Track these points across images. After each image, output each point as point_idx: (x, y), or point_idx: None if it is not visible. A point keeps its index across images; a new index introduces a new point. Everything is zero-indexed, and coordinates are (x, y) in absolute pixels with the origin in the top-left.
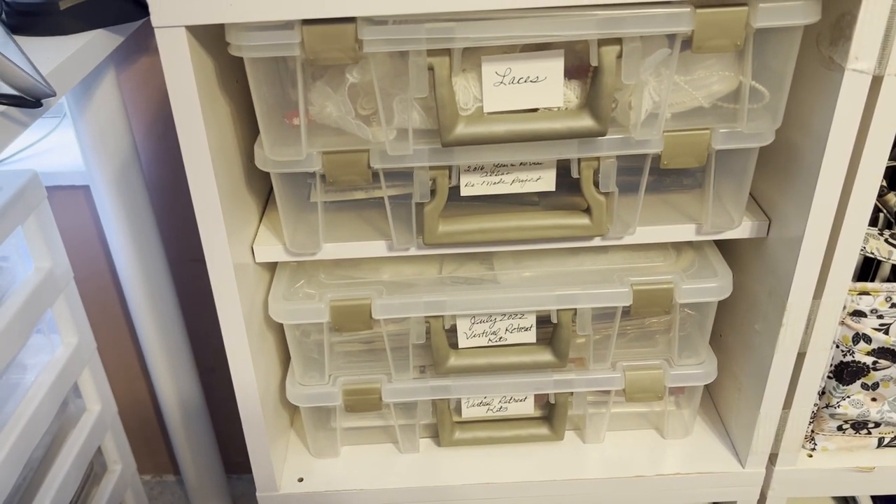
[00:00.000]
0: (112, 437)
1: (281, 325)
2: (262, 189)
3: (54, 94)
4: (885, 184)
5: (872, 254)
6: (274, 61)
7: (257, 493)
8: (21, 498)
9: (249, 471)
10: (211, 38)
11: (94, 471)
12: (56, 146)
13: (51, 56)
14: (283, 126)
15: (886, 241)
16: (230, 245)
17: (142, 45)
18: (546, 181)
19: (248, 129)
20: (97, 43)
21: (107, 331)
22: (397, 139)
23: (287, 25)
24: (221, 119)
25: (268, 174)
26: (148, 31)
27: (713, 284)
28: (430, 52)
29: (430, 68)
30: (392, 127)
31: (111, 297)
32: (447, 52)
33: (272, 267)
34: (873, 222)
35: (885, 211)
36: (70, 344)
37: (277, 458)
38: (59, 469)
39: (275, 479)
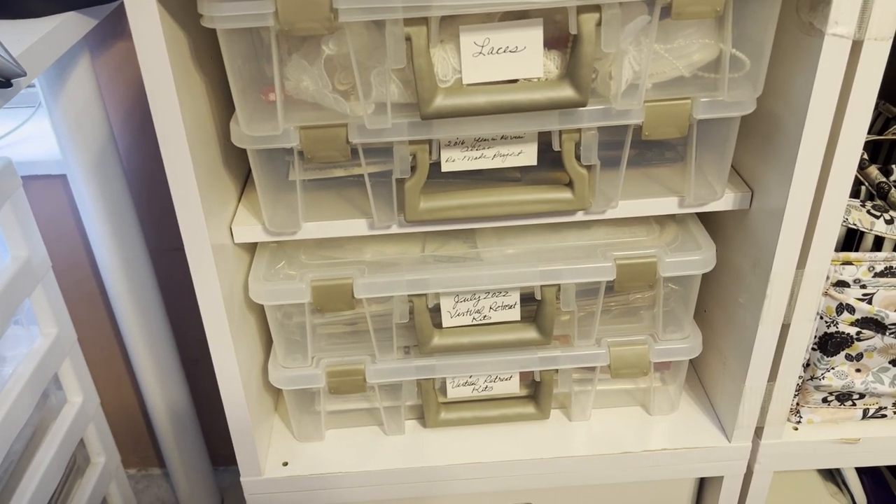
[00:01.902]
0: (95, 428)
1: (262, 307)
2: (241, 169)
3: (24, 74)
4: (866, 156)
5: (855, 225)
6: (248, 34)
7: (241, 478)
8: (2, 491)
9: (236, 462)
10: (183, 11)
11: (76, 463)
12: (31, 136)
13: (21, 38)
14: (259, 102)
15: (869, 212)
16: (208, 225)
17: (118, 29)
18: (527, 155)
19: (225, 108)
20: (70, 25)
21: (88, 322)
22: (376, 113)
23: None
24: (196, 96)
25: (246, 154)
26: (123, 15)
27: (697, 257)
28: (407, 22)
29: (408, 38)
30: (370, 101)
31: (91, 287)
32: (424, 21)
33: (252, 248)
34: (855, 194)
35: (866, 183)
36: (49, 334)
37: (261, 443)
38: (41, 462)
39: (259, 463)
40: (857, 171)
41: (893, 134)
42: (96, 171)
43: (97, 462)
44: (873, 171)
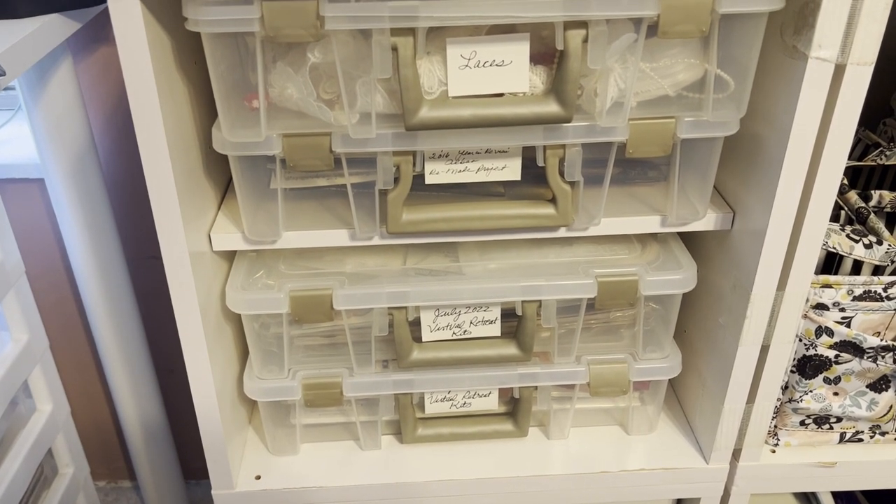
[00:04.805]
0: (64, 438)
1: (239, 317)
2: (221, 177)
3: (3, 74)
4: (846, 182)
5: (835, 249)
6: (233, 39)
7: (213, 491)
8: None
9: (208, 476)
10: (168, 14)
11: (44, 474)
12: (10, 138)
13: (2, 38)
14: (242, 108)
15: (848, 236)
16: (186, 232)
17: (101, 34)
18: (512, 170)
19: (207, 113)
20: (52, 27)
21: (61, 329)
22: (360, 123)
23: (246, 0)
24: (179, 100)
25: (227, 161)
26: (107, 20)
27: (678, 276)
28: (394, 32)
29: (394, 49)
30: (355, 110)
31: (66, 294)
32: (411, 31)
33: (230, 257)
34: (835, 219)
35: (846, 208)
36: (20, 340)
37: (234, 455)
38: (7, 471)
39: (231, 476)
40: (838, 196)
41: (873, 160)
42: (75, 176)
43: (65, 473)
44: (853, 196)
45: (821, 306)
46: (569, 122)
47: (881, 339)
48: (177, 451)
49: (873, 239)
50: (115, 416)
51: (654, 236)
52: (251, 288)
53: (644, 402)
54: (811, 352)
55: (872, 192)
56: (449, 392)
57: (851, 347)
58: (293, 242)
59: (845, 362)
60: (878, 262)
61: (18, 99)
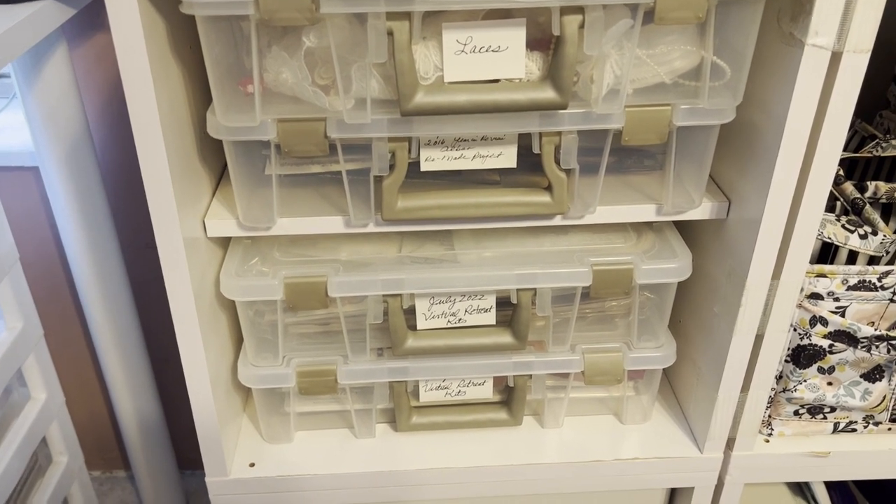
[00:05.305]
0: (58, 427)
1: (234, 304)
2: (216, 164)
3: None
4: (841, 172)
5: (830, 239)
6: (228, 23)
7: (206, 479)
8: None
9: (202, 466)
10: None
11: (38, 462)
12: (5, 126)
13: None
14: (237, 93)
15: (843, 226)
16: (180, 217)
17: (97, 21)
18: (507, 157)
19: (202, 99)
20: (47, 12)
21: (56, 318)
22: (355, 108)
23: None
24: (174, 86)
25: (222, 147)
26: (102, 7)
27: (673, 265)
28: (390, 16)
29: (390, 33)
30: (350, 96)
31: (60, 283)
32: (407, 15)
33: (225, 244)
34: (830, 210)
35: (842, 199)
36: (14, 328)
37: (228, 442)
38: (0, 459)
39: (225, 463)
40: (833, 187)
41: (869, 152)
42: (70, 163)
43: (59, 461)
44: (848, 187)
45: (815, 296)
46: (565, 108)
47: (875, 329)
48: (172, 441)
49: (868, 229)
50: (110, 405)
51: (649, 225)
52: (246, 275)
53: (638, 391)
54: (805, 341)
55: (868, 182)
56: (443, 380)
57: (846, 337)
58: (288, 229)
59: (839, 352)
60: (872, 253)
61: (13, 86)
